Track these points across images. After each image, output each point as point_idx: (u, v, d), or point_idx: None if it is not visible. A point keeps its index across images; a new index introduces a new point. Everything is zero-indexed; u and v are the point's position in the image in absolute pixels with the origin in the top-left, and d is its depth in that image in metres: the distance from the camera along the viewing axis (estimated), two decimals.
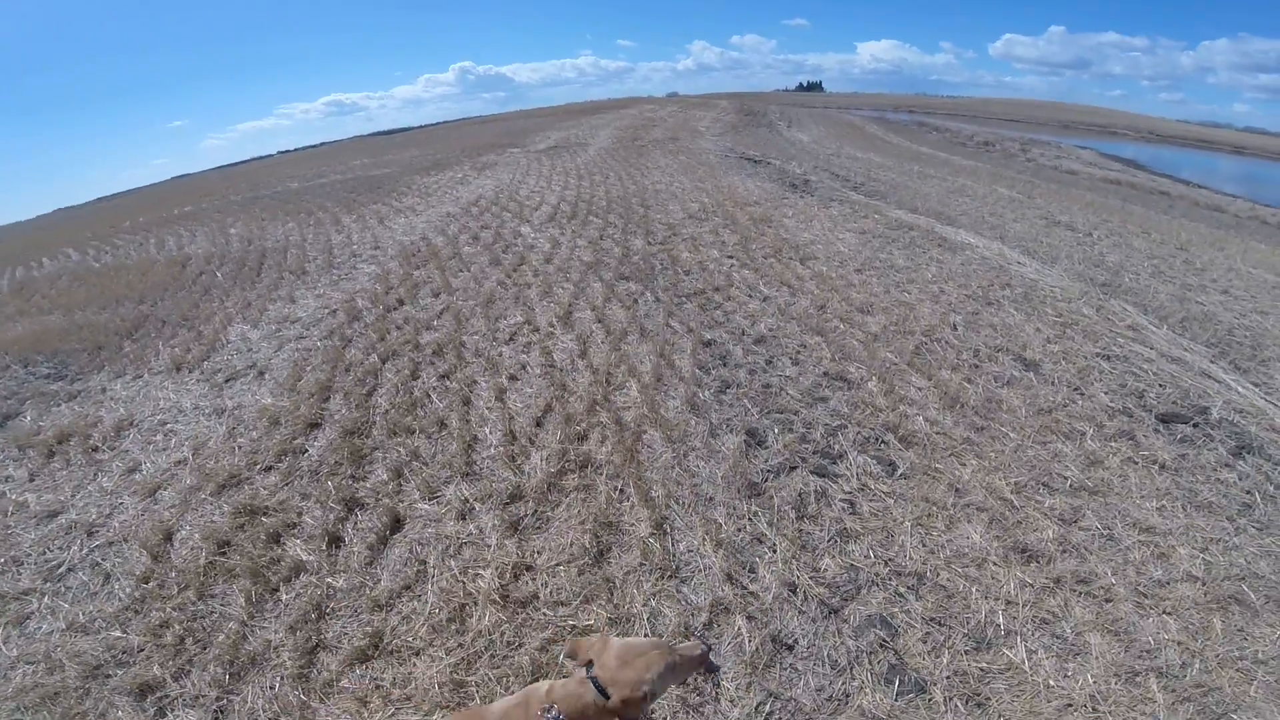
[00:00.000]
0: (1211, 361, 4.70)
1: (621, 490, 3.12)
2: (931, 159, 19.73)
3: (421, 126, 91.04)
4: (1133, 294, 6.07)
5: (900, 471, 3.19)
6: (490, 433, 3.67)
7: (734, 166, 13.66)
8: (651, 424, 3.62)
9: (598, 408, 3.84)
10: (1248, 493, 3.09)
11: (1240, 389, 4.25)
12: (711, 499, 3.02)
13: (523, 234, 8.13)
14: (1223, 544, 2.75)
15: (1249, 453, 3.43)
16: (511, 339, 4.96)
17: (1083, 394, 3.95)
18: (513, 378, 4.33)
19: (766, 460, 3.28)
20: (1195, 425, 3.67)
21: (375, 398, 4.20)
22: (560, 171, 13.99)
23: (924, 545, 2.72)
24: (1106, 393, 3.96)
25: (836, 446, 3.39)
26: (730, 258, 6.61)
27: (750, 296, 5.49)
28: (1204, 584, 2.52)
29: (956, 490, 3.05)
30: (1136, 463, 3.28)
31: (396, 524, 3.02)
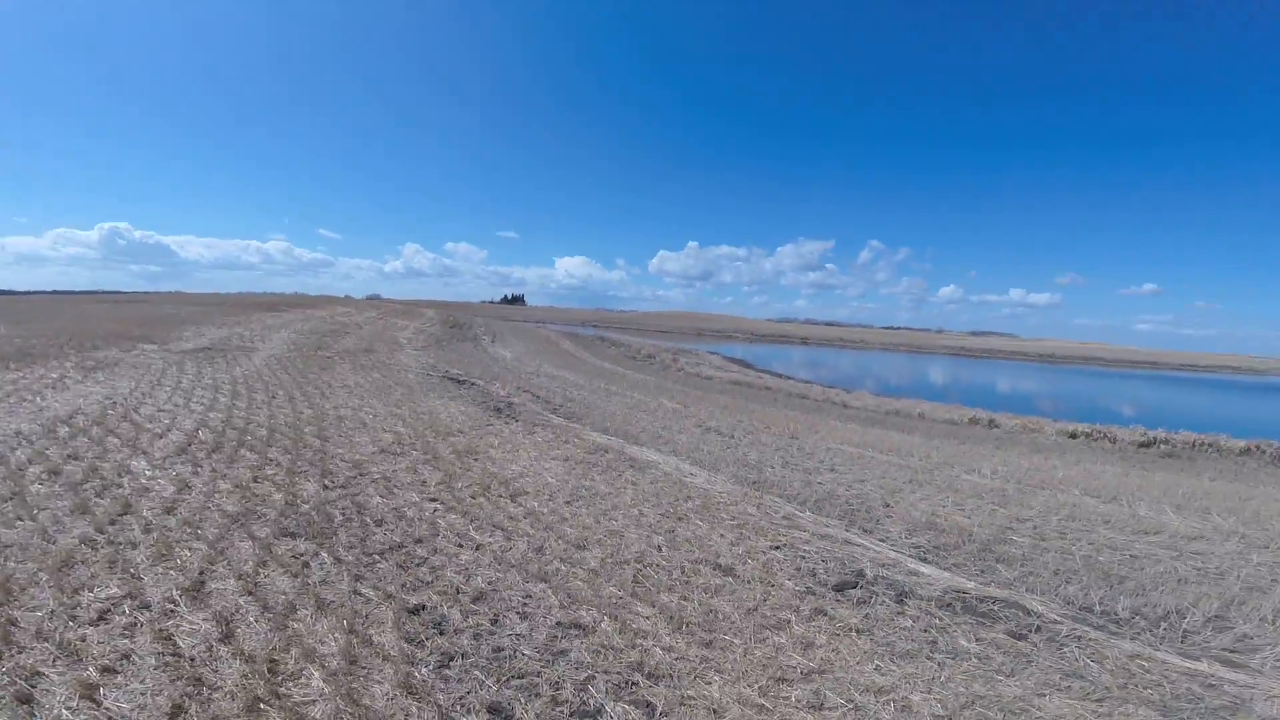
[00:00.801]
0: (847, 530, 5.87)
1: None
2: (612, 374, 22.87)
3: (28, 294, 70.51)
4: (777, 486, 7.53)
5: (660, 709, 3.02)
6: None
7: (437, 387, 13.19)
8: (354, 719, 2.82)
9: (263, 705, 2.85)
10: (925, 631, 3.77)
11: (874, 547, 5.37)
12: None
13: (134, 470, 6.13)
14: (936, 681, 3.21)
15: (908, 598, 4.25)
16: (103, 618, 3.50)
17: (773, 585, 4.44)
18: (108, 670, 3.01)
19: None
20: (861, 587, 4.43)
21: None
22: (208, 384, 11.58)
23: None
24: (790, 579, 4.54)
25: (592, 701, 3.09)
26: (433, 500, 5.92)
27: (461, 546, 4.92)
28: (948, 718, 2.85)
29: (715, 712, 3.01)
30: (838, 634, 3.73)
31: None
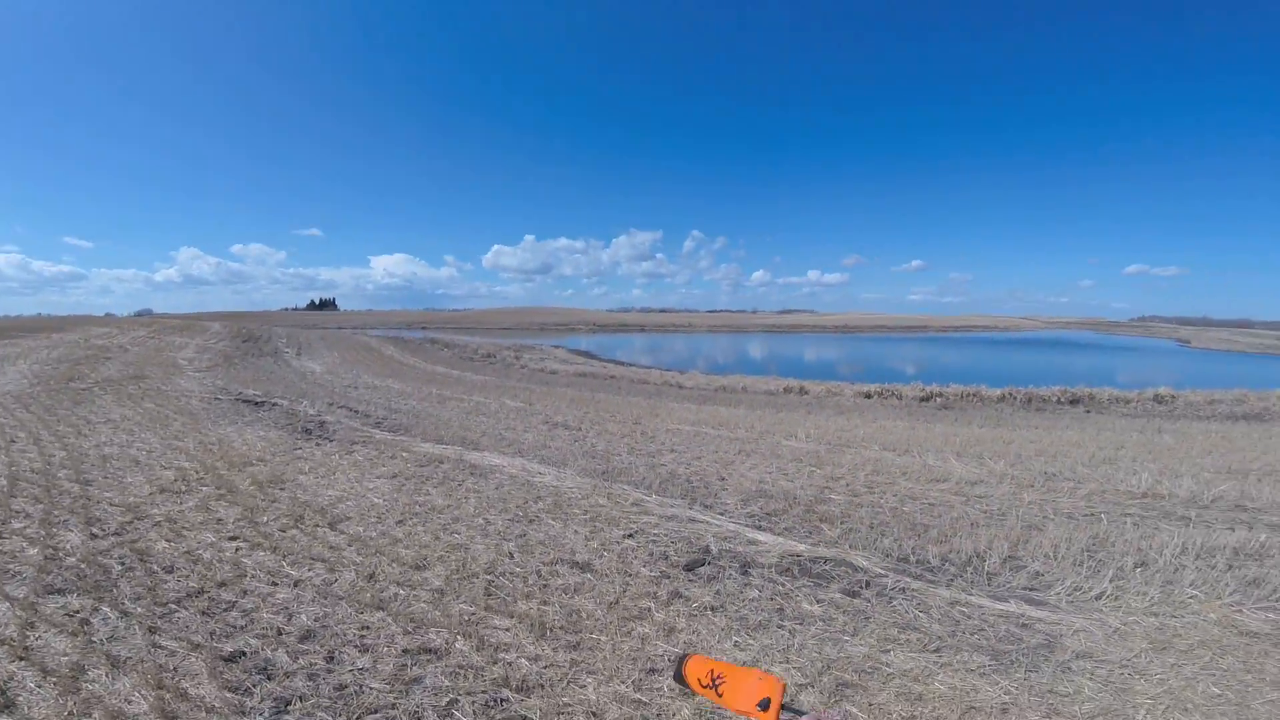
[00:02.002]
0: (690, 508, 6.13)
1: None
2: (446, 378, 21.63)
3: None
4: (625, 474, 7.66)
5: None
6: None
7: (228, 413, 11.49)
8: None
9: None
10: (771, 599, 4.03)
11: (715, 521, 5.67)
12: None
13: None
14: (791, 648, 3.42)
15: (751, 568, 4.52)
16: None
17: (631, 575, 4.49)
18: None
19: None
20: (708, 564, 4.64)
21: None
22: None
23: None
24: (645, 566, 4.63)
25: None
26: (234, 539, 5.22)
27: (275, 584, 4.40)
28: (817, 688, 3.07)
29: (594, 715, 2.94)
30: (695, 615, 3.86)
31: None
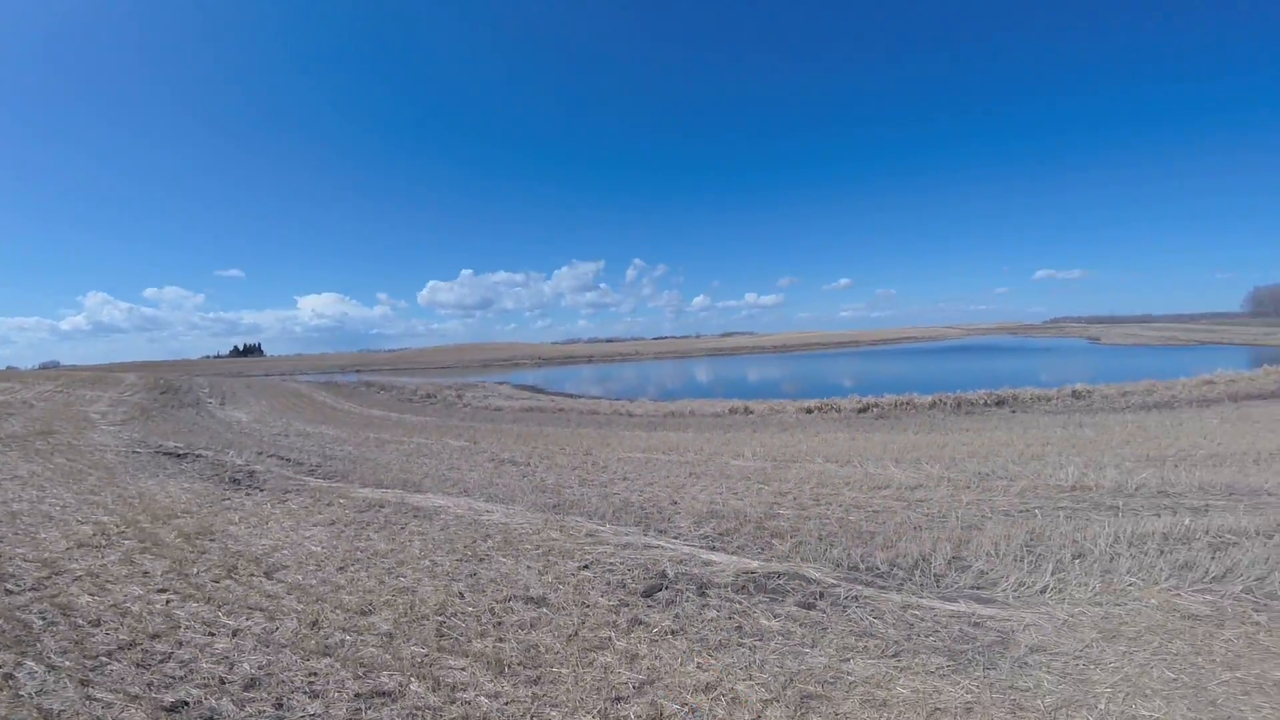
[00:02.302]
0: (645, 534, 6.04)
1: None
2: (384, 421, 20.78)
3: None
4: (577, 506, 7.49)
5: None
6: None
7: (147, 466, 10.80)
8: None
9: None
10: (730, 618, 4.00)
11: (670, 545, 5.59)
12: None
13: None
14: (753, 665, 3.37)
15: (708, 588, 4.47)
16: None
17: (589, 606, 4.36)
18: None
19: None
20: (666, 588, 4.55)
21: None
22: None
23: None
24: (603, 595, 4.50)
25: None
26: (163, 591, 4.97)
27: (213, 634, 4.21)
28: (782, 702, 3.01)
29: None
30: (657, 640, 3.77)
31: None
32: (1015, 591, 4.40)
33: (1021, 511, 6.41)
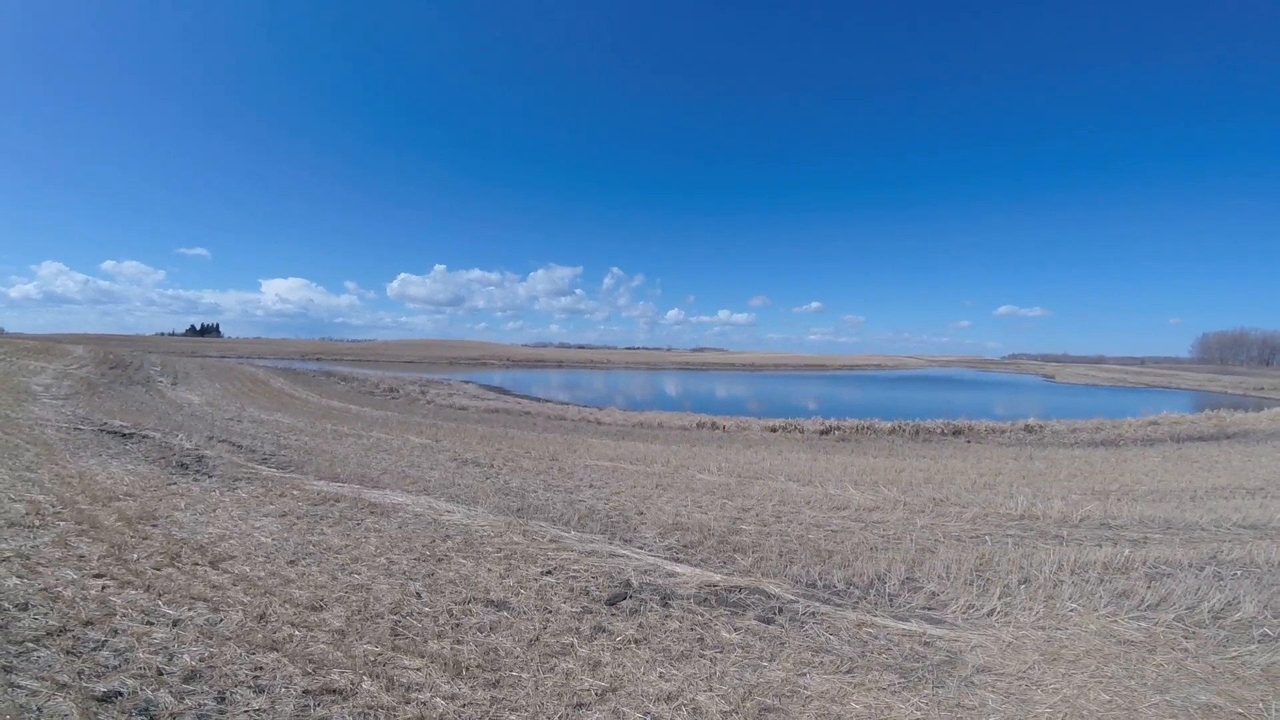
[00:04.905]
0: (610, 543, 6.04)
1: None
2: (343, 413, 20.23)
3: None
4: (541, 511, 7.44)
5: None
6: None
7: (90, 444, 10.22)
8: None
9: None
10: (692, 629, 4.02)
11: (635, 555, 5.60)
12: None
13: None
14: (714, 677, 3.38)
15: (671, 599, 4.49)
16: None
17: (551, 611, 4.32)
18: None
19: None
20: (630, 597, 4.54)
21: None
22: None
23: None
24: (565, 602, 4.48)
25: None
26: (100, 576, 4.70)
27: (151, 624, 4.01)
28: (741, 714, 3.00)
29: None
30: (620, 648, 3.77)
31: None
32: (964, 613, 4.54)
33: (972, 537, 6.62)
